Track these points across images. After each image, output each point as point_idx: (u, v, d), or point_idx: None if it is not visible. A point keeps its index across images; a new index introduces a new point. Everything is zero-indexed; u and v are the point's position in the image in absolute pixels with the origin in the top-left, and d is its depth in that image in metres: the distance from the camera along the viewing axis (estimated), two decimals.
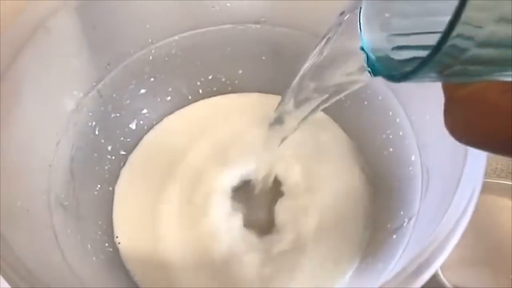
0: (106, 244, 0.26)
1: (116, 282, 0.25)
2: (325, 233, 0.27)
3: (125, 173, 0.29)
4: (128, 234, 0.27)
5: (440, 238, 0.15)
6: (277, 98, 0.30)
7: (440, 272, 0.25)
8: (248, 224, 0.27)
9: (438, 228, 0.16)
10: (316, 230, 0.26)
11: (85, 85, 0.26)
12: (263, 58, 0.31)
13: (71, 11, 0.23)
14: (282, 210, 0.27)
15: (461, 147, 0.18)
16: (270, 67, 0.32)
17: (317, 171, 0.29)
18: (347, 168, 0.29)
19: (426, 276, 0.14)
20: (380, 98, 0.26)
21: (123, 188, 0.29)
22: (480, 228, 0.27)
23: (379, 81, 0.25)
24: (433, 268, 0.14)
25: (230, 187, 0.28)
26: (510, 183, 0.28)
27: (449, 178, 0.18)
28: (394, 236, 0.23)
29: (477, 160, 0.17)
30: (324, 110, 0.31)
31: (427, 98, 0.22)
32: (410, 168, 0.24)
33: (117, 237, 0.27)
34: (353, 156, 0.29)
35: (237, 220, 0.27)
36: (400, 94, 0.25)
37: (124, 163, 0.30)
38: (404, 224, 0.22)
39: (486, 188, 0.27)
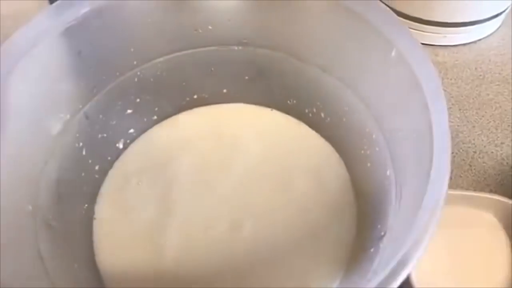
0: (94, 264, 0.27)
1: None
2: (305, 247, 0.27)
3: (104, 190, 0.30)
4: (109, 253, 0.27)
5: (407, 249, 0.16)
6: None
7: (414, 285, 0.26)
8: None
9: (406, 240, 0.17)
10: (295, 244, 0.27)
11: (71, 107, 0.27)
12: (246, 77, 0.32)
13: (56, 37, 0.24)
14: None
15: (427, 162, 0.19)
16: (253, 87, 0.33)
17: (302, 182, 0.30)
18: (335, 180, 0.30)
19: (396, 283, 0.15)
20: (357, 115, 0.27)
21: (103, 206, 0.29)
22: (455, 241, 0.27)
23: (356, 98, 0.27)
24: (401, 275, 0.15)
25: None
26: (487, 196, 0.28)
27: (417, 194, 0.19)
28: (371, 250, 0.24)
29: (440, 177, 0.17)
30: (309, 126, 0.32)
31: (397, 113, 0.23)
32: (387, 182, 0.25)
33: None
34: (340, 170, 0.30)
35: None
36: (375, 110, 0.26)
37: None
38: (380, 238, 0.23)
39: (463, 201, 0.28)
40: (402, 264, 0.16)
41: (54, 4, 0.24)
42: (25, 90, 0.23)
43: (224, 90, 0.33)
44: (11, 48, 0.23)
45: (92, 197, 0.29)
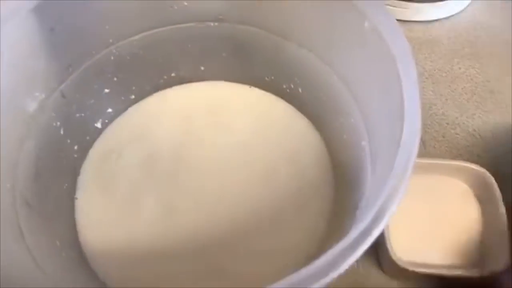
0: (75, 241, 0.27)
1: (87, 279, 0.26)
2: (287, 220, 0.28)
3: (84, 169, 0.30)
4: (91, 232, 0.28)
5: (378, 207, 0.17)
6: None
7: (391, 253, 0.27)
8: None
9: (377, 201, 0.17)
10: (278, 217, 0.28)
11: (47, 86, 0.26)
12: (224, 54, 0.32)
13: (27, 14, 0.24)
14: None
15: (398, 131, 0.19)
16: (230, 63, 0.33)
17: (280, 157, 0.30)
18: (312, 153, 0.31)
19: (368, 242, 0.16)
20: (333, 88, 0.28)
21: (83, 185, 0.29)
22: (429, 206, 0.29)
23: (331, 71, 0.27)
24: (372, 235, 0.16)
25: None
26: (459, 164, 0.29)
27: (390, 161, 0.19)
28: (348, 221, 0.25)
29: (410, 142, 0.18)
30: (286, 101, 0.33)
31: (372, 86, 0.24)
32: (362, 153, 0.25)
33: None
34: (317, 142, 0.31)
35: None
36: (350, 83, 0.26)
37: None
38: (357, 206, 0.24)
39: (436, 169, 0.29)
40: (375, 220, 0.17)
41: None
42: None
43: (202, 68, 0.33)
44: None
45: (72, 177, 0.29)
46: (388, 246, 0.26)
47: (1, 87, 0.23)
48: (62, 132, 0.28)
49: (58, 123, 0.28)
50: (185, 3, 0.29)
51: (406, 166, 0.17)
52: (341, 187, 0.28)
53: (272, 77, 0.33)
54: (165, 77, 0.33)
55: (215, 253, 0.26)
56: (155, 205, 0.28)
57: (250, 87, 0.34)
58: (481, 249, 0.28)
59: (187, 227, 0.27)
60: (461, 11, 0.42)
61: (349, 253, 0.17)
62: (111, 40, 0.29)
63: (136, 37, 0.30)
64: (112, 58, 0.29)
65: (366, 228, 0.17)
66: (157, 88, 0.33)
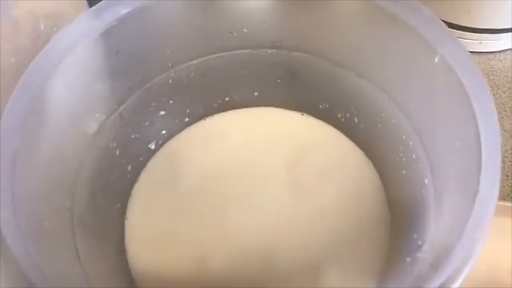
0: (125, 263, 0.27)
1: None
2: (339, 257, 0.27)
3: (136, 190, 0.30)
4: (139, 255, 0.27)
5: (453, 266, 0.16)
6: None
7: None
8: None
9: (451, 257, 0.16)
10: (330, 253, 0.26)
11: (107, 108, 0.27)
12: (278, 81, 0.32)
13: (96, 38, 0.24)
14: None
15: (474, 172, 0.18)
16: (284, 90, 0.32)
17: (333, 190, 0.29)
18: (366, 188, 0.29)
19: None
20: (393, 121, 0.27)
21: (134, 206, 0.29)
22: (494, 253, 0.27)
23: (393, 104, 0.26)
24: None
25: None
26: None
27: (462, 204, 0.18)
28: (408, 259, 0.23)
29: (490, 189, 0.17)
30: (341, 131, 0.32)
31: (439, 122, 0.23)
32: (423, 191, 0.24)
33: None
34: (372, 177, 0.30)
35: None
36: (412, 117, 0.25)
37: None
38: (418, 248, 0.23)
39: (500, 212, 0.28)
40: (452, 278, 0.15)
41: (97, 5, 0.24)
42: (66, 90, 0.23)
43: (255, 93, 0.33)
44: (53, 50, 0.23)
45: (124, 197, 0.29)
46: None
47: (66, 107, 0.24)
48: (117, 152, 0.29)
49: (115, 144, 0.28)
50: (245, 30, 0.29)
51: (485, 217, 0.16)
52: (399, 225, 0.27)
53: (327, 105, 0.32)
54: (219, 101, 0.33)
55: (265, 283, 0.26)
56: (210, 233, 0.28)
57: (302, 114, 0.33)
58: None
59: (240, 255, 0.27)
60: None
61: None
62: (170, 64, 0.29)
63: (195, 61, 0.30)
64: (170, 81, 0.30)
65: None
66: (211, 112, 0.33)
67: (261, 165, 0.31)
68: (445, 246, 0.18)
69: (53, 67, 0.22)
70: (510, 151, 0.34)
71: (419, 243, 0.23)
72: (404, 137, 0.26)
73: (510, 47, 0.40)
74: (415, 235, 0.24)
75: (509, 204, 0.28)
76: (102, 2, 0.24)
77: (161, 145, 0.32)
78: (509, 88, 0.37)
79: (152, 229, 0.28)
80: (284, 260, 0.27)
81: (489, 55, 0.40)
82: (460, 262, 0.16)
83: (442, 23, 0.22)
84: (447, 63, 0.21)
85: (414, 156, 0.25)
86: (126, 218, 0.29)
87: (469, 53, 0.21)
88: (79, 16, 0.24)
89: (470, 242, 0.16)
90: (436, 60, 0.21)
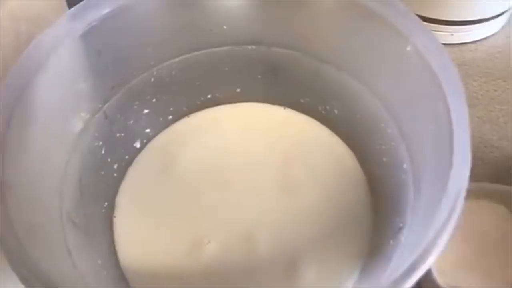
0: (115, 259, 0.27)
1: None
2: (324, 244, 0.28)
3: (123, 188, 0.30)
4: (129, 251, 0.28)
5: (429, 241, 0.17)
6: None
7: (436, 276, 0.26)
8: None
9: (428, 232, 0.17)
10: (310, 243, 0.27)
11: (91, 107, 0.27)
12: (259, 76, 0.33)
13: (77, 39, 0.25)
14: None
15: (447, 156, 0.19)
16: (266, 85, 0.33)
17: (318, 180, 0.30)
18: (349, 177, 0.30)
19: (415, 277, 0.16)
20: (372, 111, 0.28)
21: (121, 204, 0.30)
22: (472, 232, 0.28)
23: (371, 94, 0.27)
24: (422, 269, 0.16)
25: None
26: (500, 187, 0.29)
27: (436, 185, 0.19)
28: (391, 242, 0.24)
29: (462, 168, 0.18)
30: (322, 123, 0.33)
31: (414, 107, 0.24)
32: (403, 176, 0.25)
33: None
34: (353, 165, 0.31)
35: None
36: (389, 105, 0.26)
37: None
38: (399, 230, 0.24)
39: (479, 193, 0.29)
40: (423, 256, 0.16)
41: (77, 6, 0.24)
42: (49, 90, 0.24)
43: (238, 90, 0.34)
44: (35, 51, 0.23)
45: (112, 195, 0.30)
46: (433, 271, 0.25)
47: (51, 107, 0.24)
48: (103, 151, 0.29)
49: (100, 143, 0.28)
50: (224, 27, 0.30)
51: (458, 194, 0.17)
52: (381, 209, 0.28)
53: (308, 99, 0.33)
54: (202, 98, 0.34)
55: (251, 276, 0.26)
56: (191, 225, 0.28)
57: (284, 108, 0.34)
58: None
59: (222, 249, 0.27)
60: (496, 33, 0.42)
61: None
62: (152, 63, 0.30)
63: (176, 59, 0.30)
64: (152, 80, 0.30)
65: (417, 259, 0.16)
66: (194, 109, 0.34)
67: (246, 158, 0.31)
68: (422, 226, 0.19)
69: (36, 68, 0.23)
70: (483, 137, 0.35)
71: (400, 225, 0.24)
72: (382, 125, 0.27)
73: (480, 38, 0.42)
74: (396, 218, 0.25)
75: (484, 185, 0.29)
76: (82, 2, 0.25)
77: (146, 143, 0.32)
78: (480, 77, 0.39)
79: (140, 225, 0.29)
80: (265, 248, 0.27)
81: (461, 46, 0.41)
82: (433, 240, 0.16)
83: (414, 14, 0.24)
84: (419, 52, 0.22)
85: (393, 143, 0.26)
86: (115, 216, 0.29)
87: (439, 41, 0.22)
88: (59, 17, 0.24)
89: (444, 221, 0.17)
90: (408, 49, 0.22)
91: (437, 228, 0.17)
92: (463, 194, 0.17)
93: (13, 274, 0.17)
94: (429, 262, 0.16)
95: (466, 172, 0.18)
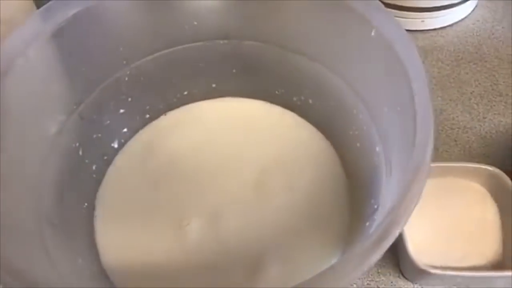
0: (96, 258, 0.27)
1: None
2: (304, 230, 0.28)
3: (102, 188, 0.30)
4: (110, 249, 0.28)
5: (391, 215, 0.17)
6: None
7: (413, 256, 0.27)
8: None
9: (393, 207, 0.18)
10: (296, 226, 0.28)
11: (66, 108, 0.27)
12: (234, 71, 0.33)
13: (47, 40, 0.25)
14: None
15: (411, 136, 0.20)
16: (240, 79, 0.34)
17: (295, 168, 0.31)
18: (326, 166, 0.31)
19: (384, 246, 0.16)
20: (344, 97, 0.28)
21: (102, 204, 0.30)
22: (446, 209, 0.29)
23: (341, 81, 0.27)
24: (389, 239, 0.16)
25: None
26: (474, 165, 0.30)
27: (403, 165, 0.20)
28: (367, 224, 0.25)
29: (423, 147, 0.18)
30: (297, 114, 0.33)
31: (381, 91, 0.24)
32: (376, 159, 0.26)
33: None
34: (328, 152, 0.31)
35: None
36: (359, 91, 0.27)
37: None
38: (374, 211, 0.24)
39: (451, 172, 0.30)
40: (391, 224, 0.17)
41: (44, 6, 0.24)
42: (21, 92, 0.24)
43: (213, 85, 0.34)
44: (5, 51, 0.23)
45: (91, 196, 0.30)
46: (409, 250, 0.26)
47: (24, 109, 0.24)
48: (81, 152, 0.29)
49: (77, 144, 0.28)
50: (195, 23, 0.30)
51: (421, 164, 0.18)
52: (357, 193, 0.28)
53: (282, 91, 0.33)
54: (178, 95, 0.34)
55: (230, 267, 0.27)
56: (170, 221, 0.28)
57: (259, 101, 0.34)
58: (500, 249, 0.27)
59: (201, 242, 0.28)
60: (465, 18, 0.43)
61: (369, 253, 0.17)
62: (124, 62, 0.30)
63: (149, 57, 0.31)
64: (126, 79, 0.30)
65: (384, 230, 0.17)
66: (171, 107, 0.34)
67: (223, 152, 0.31)
68: (391, 204, 0.19)
69: (5, 71, 0.23)
70: (456, 119, 0.36)
71: (375, 206, 0.24)
72: (354, 111, 0.28)
73: (450, 23, 0.42)
74: (372, 201, 0.25)
75: (458, 164, 0.30)
76: (50, 3, 0.25)
77: (124, 143, 0.32)
78: (452, 61, 0.40)
79: (121, 223, 0.29)
80: (249, 237, 0.28)
81: (431, 32, 0.42)
82: (398, 217, 0.17)
83: (377, 1, 0.24)
84: (383, 37, 0.23)
85: (365, 127, 0.27)
86: (95, 216, 0.29)
87: (402, 26, 0.22)
88: (29, 17, 0.24)
89: (408, 198, 0.17)
90: (373, 33, 0.23)
91: (399, 203, 0.17)
92: (424, 171, 0.18)
93: None
94: (394, 231, 0.17)
95: (428, 151, 0.18)
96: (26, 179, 0.24)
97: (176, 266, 0.27)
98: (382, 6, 0.24)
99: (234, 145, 0.32)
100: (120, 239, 0.28)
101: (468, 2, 0.42)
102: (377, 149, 0.25)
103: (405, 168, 0.19)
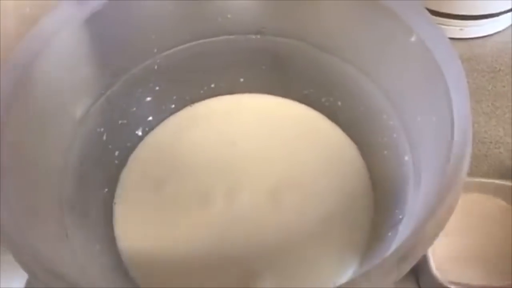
0: (114, 245, 0.27)
1: (124, 284, 0.26)
2: (323, 235, 0.28)
3: (124, 175, 0.30)
4: (128, 238, 0.28)
5: (424, 231, 0.17)
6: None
7: (435, 272, 0.26)
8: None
9: (421, 222, 0.17)
10: (309, 231, 0.27)
11: (94, 92, 0.27)
12: (263, 67, 0.33)
13: (80, 23, 0.25)
14: None
15: (447, 149, 0.19)
16: (269, 76, 0.33)
17: (320, 172, 0.30)
18: (351, 170, 0.30)
19: (408, 265, 0.15)
20: (375, 102, 0.28)
21: (123, 191, 0.30)
22: (473, 227, 0.28)
23: (374, 86, 0.27)
24: (414, 258, 0.16)
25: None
26: (501, 182, 0.29)
27: (435, 178, 0.19)
28: (389, 234, 0.24)
29: (460, 162, 0.18)
30: (325, 115, 0.33)
31: (416, 99, 0.23)
32: (404, 168, 0.25)
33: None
34: (355, 158, 0.31)
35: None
36: (392, 97, 0.26)
37: None
38: (399, 222, 0.24)
39: (476, 188, 0.29)
40: (415, 245, 0.16)
41: None
42: (51, 74, 0.24)
43: (241, 79, 0.34)
44: (38, 33, 0.23)
45: (113, 182, 0.30)
46: (431, 265, 0.25)
47: (52, 91, 0.24)
48: (105, 138, 0.29)
49: (102, 129, 0.28)
50: (229, 16, 0.30)
51: (455, 181, 0.17)
52: (381, 201, 0.28)
53: (311, 90, 0.33)
54: (205, 88, 0.33)
55: (252, 263, 0.26)
56: (190, 210, 0.28)
57: (287, 99, 0.34)
58: None
59: (225, 236, 0.27)
60: (504, 29, 0.42)
61: (389, 273, 0.16)
62: (155, 50, 0.30)
63: (180, 48, 0.30)
64: (155, 67, 0.30)
65: (410, 247, 0.16)
66: (197, 98, 0.34)
67: (248, 148, 0.31)
68: (417, 217, 0.19)
69: (37, 52, 0.23)
70: (489, 133, 0.35)
71: (400, 217, 0.24)
72: (384, 116, 0.27)
73: (488, 33, 0.41)
74: (396, 211, 0.25)
75: (486, 180, 0.29)
76: None
77: (148, 131, 0.32)
78: (488, 72, 0.38)
79: (141, 212, 0.29)
80: (272, 237, 0.27)
81: (469, 41, 0.41)
82: (428, 233, 0.16)
83: (419, 5, 0.23)
84: (423, 43, 0.22)
85: (394, 135, 0.26)
86: (115, 203, 0.29)
87: (444, 33, 0.21)
88: (63, 1, 0.24)
89: (439, 214, 0.17)
90: (413, 39, 0.22)
91: (430, 219, 0.16)
92: (459, 188, 0.17)
93: (13, 275, 0.18)
94: (420, 252, 0.16)
95: (465, 167, 0.17)
96: (51, 161, 0.24)
97: (194, 257, 0.27)
98: (425, 10, 0.23)
99: (258, 142, 0.32)
100: (138, 226, 0.28)
101: (509, 13, 0.40)
102: (406, 158, 0.25)
103: (437, 182, 0.18)
